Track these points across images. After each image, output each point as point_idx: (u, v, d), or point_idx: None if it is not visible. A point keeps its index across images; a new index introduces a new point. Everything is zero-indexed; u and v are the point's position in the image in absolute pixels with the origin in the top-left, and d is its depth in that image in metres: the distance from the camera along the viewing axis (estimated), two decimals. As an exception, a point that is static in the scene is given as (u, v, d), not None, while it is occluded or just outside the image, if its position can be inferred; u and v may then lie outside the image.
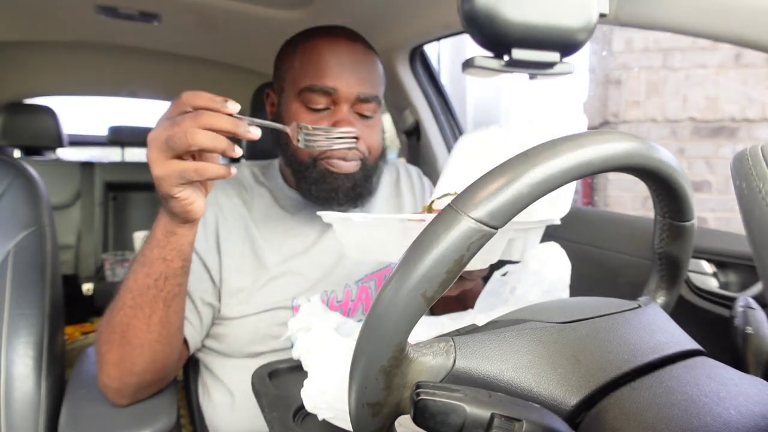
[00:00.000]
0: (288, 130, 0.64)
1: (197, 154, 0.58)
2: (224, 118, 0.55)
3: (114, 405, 0.73)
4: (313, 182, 0.83)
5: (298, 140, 0.64)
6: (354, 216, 0.63)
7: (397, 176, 1.06)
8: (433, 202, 0.66)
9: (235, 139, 0.58)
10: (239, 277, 0.83)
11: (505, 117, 3.33)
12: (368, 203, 0.94)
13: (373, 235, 0.64)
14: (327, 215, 0.66)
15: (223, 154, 0.56)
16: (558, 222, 0.64)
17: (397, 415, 0.40)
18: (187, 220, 0.61)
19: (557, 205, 0.66)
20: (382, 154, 0.90)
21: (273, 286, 0.83)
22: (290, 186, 0.92)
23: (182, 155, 0.56)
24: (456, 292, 0.75)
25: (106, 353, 0.69)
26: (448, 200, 0.63)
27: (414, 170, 1.09)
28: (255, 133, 0.56)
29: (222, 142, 0.54)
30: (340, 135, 0.67)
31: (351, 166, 0.83)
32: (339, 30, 0.86)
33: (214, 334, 0.85)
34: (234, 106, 0.56)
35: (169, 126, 0.55)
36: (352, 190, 0.84)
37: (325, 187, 0.82)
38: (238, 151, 0.56)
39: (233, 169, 0.59)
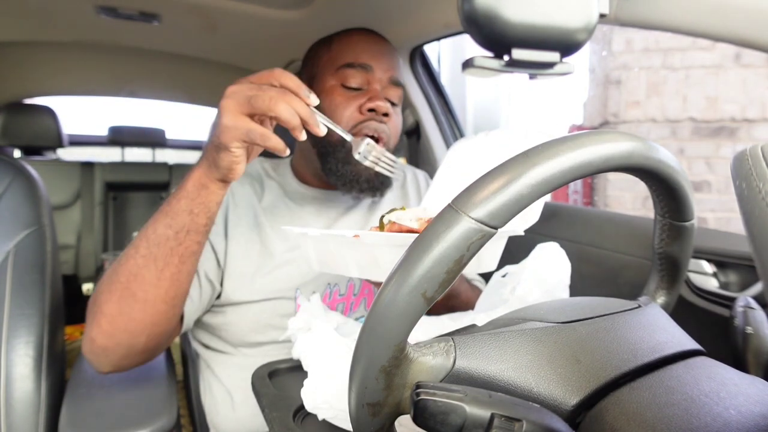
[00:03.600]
0: (351, 140, 0.70)
1: (265, 123, 0.63)
2: (304, 105, 0.59)
3: (96, 370, 0.71)
4: (339, 161, 0.86)
5: (359, 152, 0.71)
6: (310, 231, 0.65)
7: (404, 179, 1.07)
8: (383, 216, 0.67)
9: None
10: (244, 263, 0.83)
11: (504, 117, 3.34)
12: (384, 195, 0.97)
13: (329, 250, 0.66)
14: (289, 229, 0.69)
15: (292, 132, 0.60)
16: (522, 233, 0.65)
17: (397, 415, 0.40)
18: (225, 177, 0.63)
19: (526, 217, 0.67)
20: (398, 146, 0.94)
21: (277, 273, 0.84)
22: (300, 180, 0.96)
23: (254, 117, 0.59)
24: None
25: (103, 304, 0.66)
26: (396, 215, 0.65)
27: (421, 174, 1.11)
28: (322, 130, 0.62)
29: (296, 120, 0.59)
30: (392, 160, 0.73)
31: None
32: (372, 30, 0.95)
33: (215, 325, 0.86)
34: (315, 100, 0.61)
35: (255, 88, 0.59)
36: (376, 178, 0.87)
37: (349, 170, 0.86)
38: (304, 136, 0.61)
39: (287, 150, 0.62)
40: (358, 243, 0.60)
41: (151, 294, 0.65)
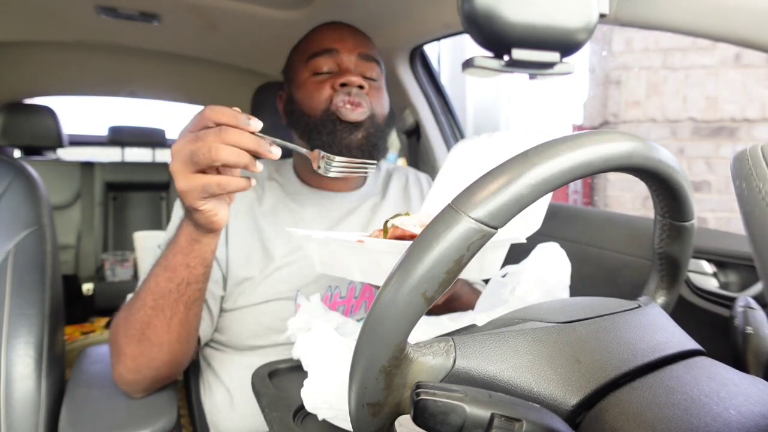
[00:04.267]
0: (308, 154, 0.64)
1: (220, 168, 0.58)
2: (247, 136, 0.55)
3: (128, 397, 0.75)
4: (325, 138, 0.85)
5: (319, 167, 0.64)
6: (314, 233, 0.65)
7: (406, 181, 1.08)
8: (387, 222, 0.67)
9: None
10: (247, 267, 0.84)
11: (504, 117, 3.34)
12: (381, 160, 0.97)
13: (332, 252, 0.66)
14: (293, 231, 0.69)
15: (246, 169, 0.57)
16: (524, 241, 0.64)
17: (397, 415, 0.40)
18: (210, 230, 0.63)
19: (528, 223, 0.67)
20: (389, 123, 0.93)
21: (278, 276, 0.85)
22: (302, 180, 0.96)
23: (205, 169, 0.56)
24: (444, 298, 0.76)
25: (124, 346, 0.70)
26: (399, 220, 0.65)
27: (423, 176, 1.12)
28: (275, 152, 0.57)
29: (244, 158, 0.55)
30: (361, 163, 0.67)
31: (359, 114, 0.85)
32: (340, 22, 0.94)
33: (217, 329, 0.86)
34: (257, 124, 0.56)
35: (193, 140, 0.55)
36: (366, 142, 0.86)
37: (338, 141, 0.84)
38: (260, 167, 0.57)
39: (253, 181, 0.60)
40: (361, 248, 0.60)
41: (165, 338, 0.69)
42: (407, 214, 0.69)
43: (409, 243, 0.57)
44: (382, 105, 0.91)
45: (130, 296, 0.76)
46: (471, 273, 0.66)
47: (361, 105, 0.85)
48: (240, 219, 0.87)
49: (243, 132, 0.55)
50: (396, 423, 0.41)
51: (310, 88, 0.87)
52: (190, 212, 0.60)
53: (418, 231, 0.63)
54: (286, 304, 0.84)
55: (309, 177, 0.96)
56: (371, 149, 0.87)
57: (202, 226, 0.62)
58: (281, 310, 0.84)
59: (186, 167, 0.56)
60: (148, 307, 0.67)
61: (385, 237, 0.66)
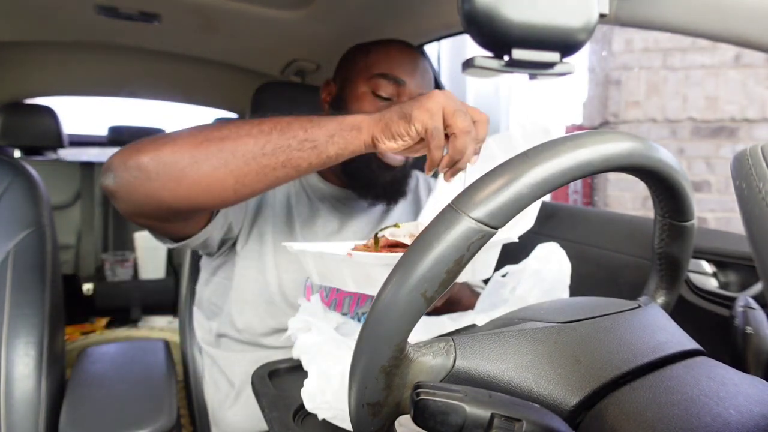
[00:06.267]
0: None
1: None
2: (473, 141, 0.63)
3: (113, 193, 0.68)
4: (357, 164, 0.85)
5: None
6: (308, 246, 0.67)
7: (416, 183, 1.09)
8: (377, 233, 0.67)
9: None
10: (258, 239, 0.87)
11: (504, 117, 3.33)
12: (398, 202, 0.99)
13: (326, 265, 0.67)
14: (288, 245, 0.69)
15: (433, 157, 0.62)
16: (516, 240, 0.65)
17: (397, 415, 0.40)
18: (376, 139, 0.63)
19: (520, 224, 0.68)
20: (415, 160, 0.96)
21: (289, 257, 0.87)
22: (321, 176, 0.98)
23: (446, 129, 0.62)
24: (443, 300, 0.77)
25: (180, 138, 0.63)
26: (390, 231, 0.65)
27: (433, 181, 1.14)
28: (449, 180, 0.66)
29: (469, 147, 0.61)
30: None
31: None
32: (409, 44, 0.96)
33: (226, 312, 0.88)
34: (474, 160, 0.65)
35: (465, 109, 0.63)
36: (391, 186, 0.90)
37: (369, 175, 0.88)
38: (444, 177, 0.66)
39: (432, 171, 0.65)
40: (351, 261, 0.61)
41: (236, 160, 0.61)
42: (396, 225, 0.69)
43: (395, 255, 0.58)
44: None
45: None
46: (464, 275, 0.66)
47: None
48: (258, 199, 0.90)
49: (472, 150, 0.62)
50: (396, 423, 0.41)
51: (365, 110, 0.87)
52: (400, 117, 0.61)
53: (408, 242, 0.63)
54: (296, 291, 0.86)
55: (328, 173, 0.97)
56: (398, 188, 0.91)
57: (385, 128, 0.62)
58: (290, 294, 0.86)
59: (447, 106, 0.60)
60: (257, 128, 0.62)
61: (376, 247, 0.66)
